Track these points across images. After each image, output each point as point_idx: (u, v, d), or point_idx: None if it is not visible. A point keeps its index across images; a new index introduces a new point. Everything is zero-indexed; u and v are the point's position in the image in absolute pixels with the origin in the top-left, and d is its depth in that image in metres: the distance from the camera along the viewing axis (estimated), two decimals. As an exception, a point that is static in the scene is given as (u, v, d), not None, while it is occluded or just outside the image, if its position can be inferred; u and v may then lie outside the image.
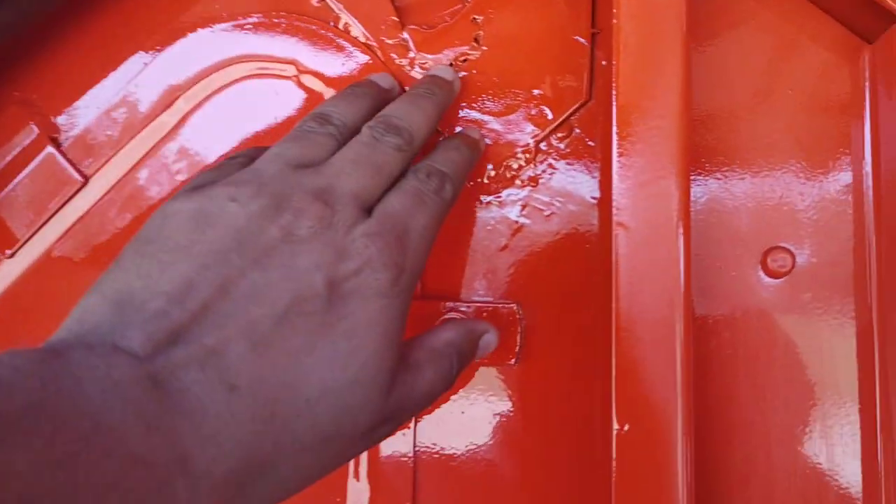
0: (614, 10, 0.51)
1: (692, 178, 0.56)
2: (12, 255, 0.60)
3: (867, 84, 0.55)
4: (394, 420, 0.42)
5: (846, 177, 0.56)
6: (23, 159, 0.60)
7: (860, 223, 0.56)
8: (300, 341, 0.37)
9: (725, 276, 0.56)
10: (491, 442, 0.58)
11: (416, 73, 0.59)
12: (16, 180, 0.60)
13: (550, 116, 0.58)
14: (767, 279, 0.55)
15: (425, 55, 0.59)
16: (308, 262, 0.38)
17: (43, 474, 0.26)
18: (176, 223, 0.39)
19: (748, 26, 0.59)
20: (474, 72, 0.59)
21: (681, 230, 0.49)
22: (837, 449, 0.55)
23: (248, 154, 0.48)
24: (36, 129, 0.60)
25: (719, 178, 0.57)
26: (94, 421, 0.29)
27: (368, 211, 0.43)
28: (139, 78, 0.61)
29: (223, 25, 0.61)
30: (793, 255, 0.55)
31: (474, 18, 0.59)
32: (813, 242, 0.56)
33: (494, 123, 0.59)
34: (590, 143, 0.58)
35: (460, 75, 0.58)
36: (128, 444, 0.29)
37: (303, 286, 0.38)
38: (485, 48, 0.59)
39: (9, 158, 0.60)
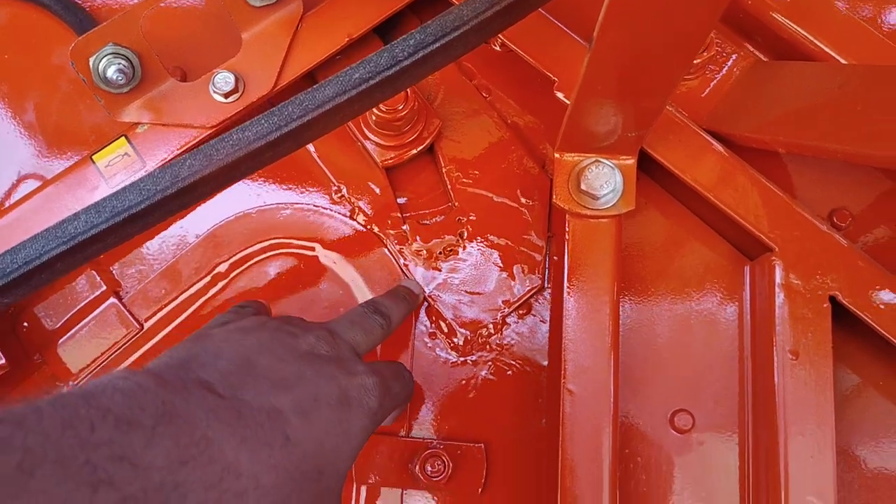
0: (566, 227, 0.69)
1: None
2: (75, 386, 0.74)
3: (747, 289, 0.75)
4: None
5: (732, 350, 0.74)
6: (89, 308, 0.74)
7: (742, 388, 0.74)
8: (324, 425, 0.49)
9: (642, 431, 0.73)
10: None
11: (410, 257, 0.76)
12: (82, 323, 0.74)
13: (515, 298, 0.76)
14: (675, 434, 0.73)
15: (421, 242, 0.77)
16: (329, 371, 0.53)
17: (173, 469, 0.36)
18: (223, 332, 0.54)
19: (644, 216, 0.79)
20: (458, 259, 0.76)
21: (610, 395, 0.66)
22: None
23: (252, 304, 0.65)
24: (103, 284, 0.74)
25: (638, 352, 0.75)
26: (203, 433, 0.39)
27: (359, 356, 0.58)
28: (188, 249, 0.76)
29: (260, 209, 0.77)
30: (693, 417, 0.72)
31: (459, 219, 0.77)
32: (708, 407, 0.73)
33: (472, 300, 0.76)
34: (542, 322, 0.76)
35: (449, 263, 0.76)
36: (225, 454, 0.40)
37: (326, 385, 0.51)
38: (467, 241, 0.77)
39: (78, 307, 0.74)
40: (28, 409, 0.33)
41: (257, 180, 0.78)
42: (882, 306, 0.68)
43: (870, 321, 0.68)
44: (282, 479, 0.44)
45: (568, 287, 0.69)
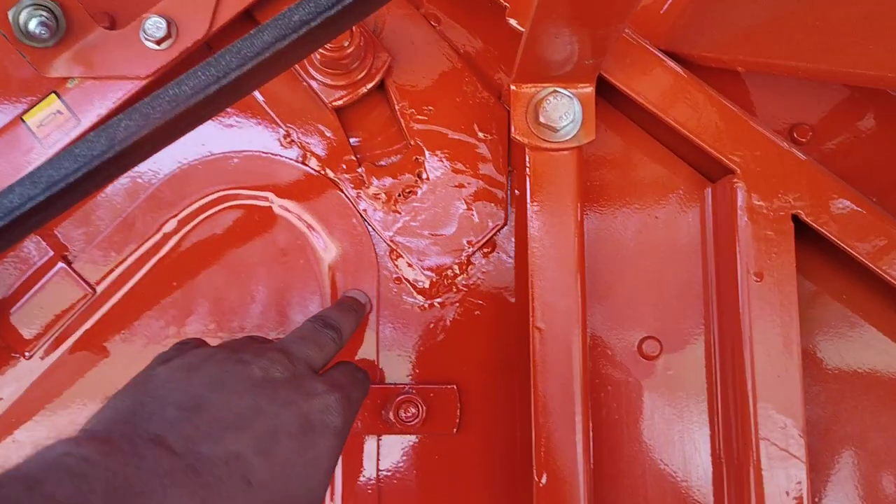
0: (527, 161, 0.68)
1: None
2: (30, 357, 0.72)
3: (709, 212, 0.74)
4: None
5: (697, 275, 0.74)
6: (38, 274, 0.71)
7: (708, 312, 0.74)
8: (287, 457, 0.48)
9: (612, 360, 0.73)
10: (440, 490, 0.73)
11: (368, 201, 0.74)
12: (32, 290, 0.71)
13: (479, 236, 0.74)
14: (643, 361, 0.73)
15: (378, 185, 0.74)
16: (287, 397, 0.51)
17: None
18: (167, 370, 0.51)
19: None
20: (418, 200, 0.74)
21: (578, 330, 0.65)
22: (693, 467, 0.73)
23: (194, 341, 0.60)
24: (49, 250, 0.71)
25: (603, 283, 0.74)
26: (158, 502, 0.38)
27: (315, 372, 0.56)
28: (135, 207, 0.73)
29: (206, 159, 0.74)
30: (661, 343, 0.73)
31: (416, 158, 0.75)
32: (675, 333, 0.74)
33: (435, 242, 0.74)
34: (508, 259, 0.75)
35: (409, 205, 0.74)
36: None
37: (285, 413, 0.49)
38: (426, 180, 0.75)
39: (27, 274, 0.71)
40: None
41: (201, 128, 0.74)
42: (843, 221, 0.68)
43: (834, 239, 0.68)
44: None
45: (531, 223, 0.67)
